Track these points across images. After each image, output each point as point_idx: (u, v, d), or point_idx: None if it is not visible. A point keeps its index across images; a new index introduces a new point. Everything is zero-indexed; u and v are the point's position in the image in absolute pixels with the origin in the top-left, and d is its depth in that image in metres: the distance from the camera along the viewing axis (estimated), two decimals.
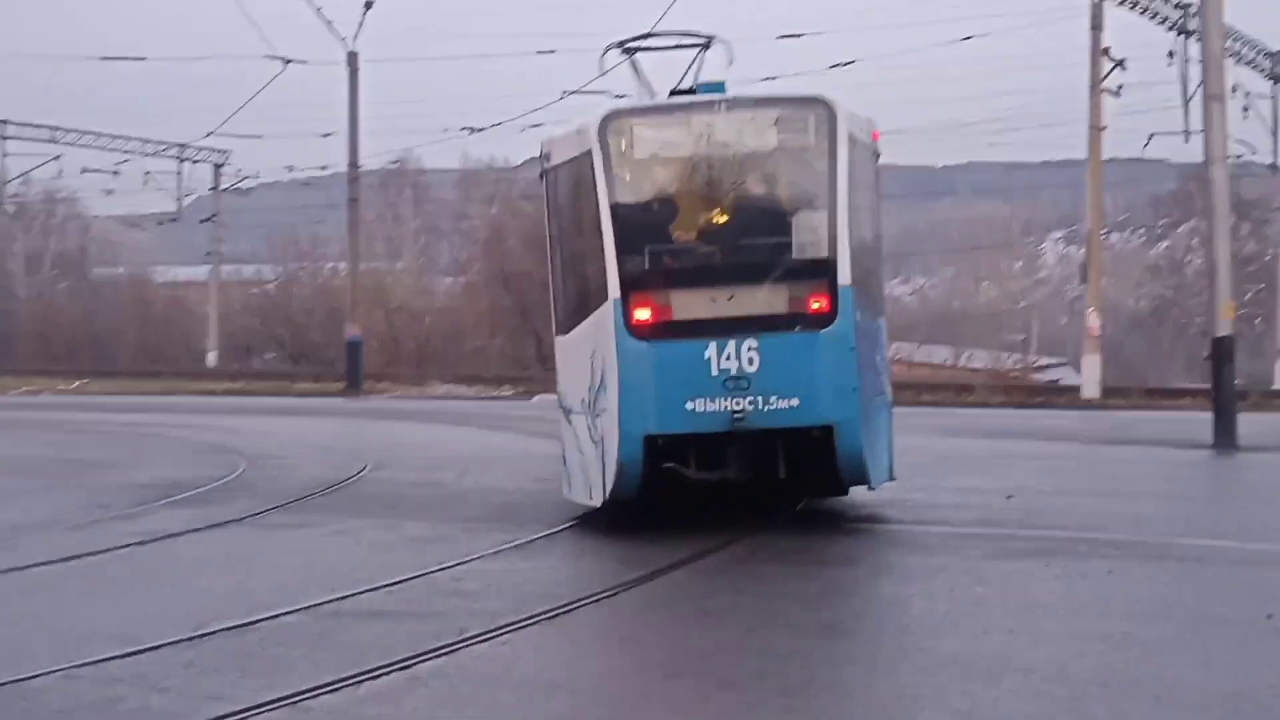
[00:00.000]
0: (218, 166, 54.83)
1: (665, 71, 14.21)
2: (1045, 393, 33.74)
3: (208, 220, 55.56)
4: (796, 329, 10.94)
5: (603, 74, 15.63)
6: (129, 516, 13.15)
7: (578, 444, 11.75)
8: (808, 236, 11.20)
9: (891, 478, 12.19)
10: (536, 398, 35.17)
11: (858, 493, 13.08)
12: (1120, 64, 32.07)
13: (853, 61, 34.76)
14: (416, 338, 54.39)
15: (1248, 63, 35.77)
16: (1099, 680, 6.70)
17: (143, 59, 44.54)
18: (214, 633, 7.90)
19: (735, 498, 12.23)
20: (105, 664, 7.30)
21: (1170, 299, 63.14)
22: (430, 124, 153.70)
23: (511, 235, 55.96)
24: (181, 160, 53.37)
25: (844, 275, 10.93)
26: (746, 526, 11.36)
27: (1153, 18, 31.95)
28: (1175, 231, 69.08)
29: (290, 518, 12.90)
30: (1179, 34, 31.93)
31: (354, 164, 41.64)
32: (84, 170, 51.65)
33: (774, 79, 40.48)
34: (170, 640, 7.72)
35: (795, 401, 10.77)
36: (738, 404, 10.73)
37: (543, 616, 8.20)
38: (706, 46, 14.42)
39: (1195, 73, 28.01)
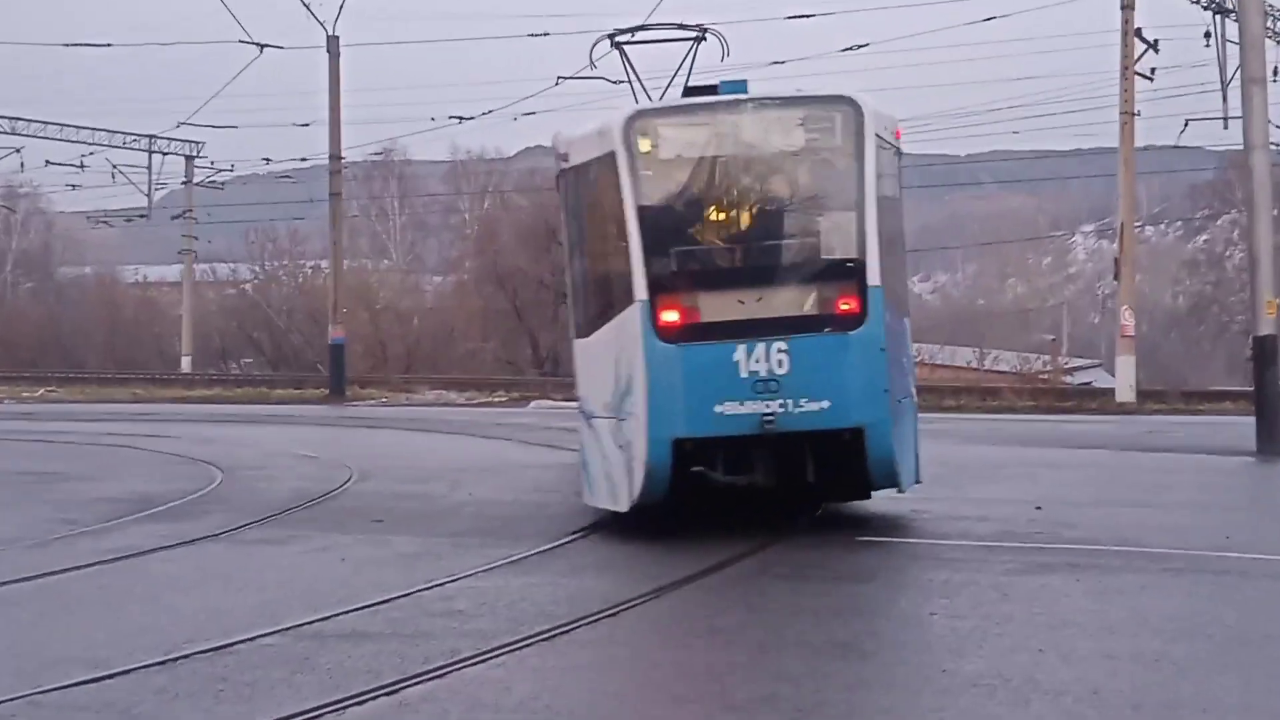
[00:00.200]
0: (190, 159, 54.92)
1: (661, 64, 14.32)
2: (1076, 397, 33.73)
3: (180, 216, 55.67)
4: (826, 330, 11.38)
5: (593, 67, 15.87)
6: (97, 532, 13.15)
7: (601, 449, 12.08)
8: (836, 237, 11.64)
9: (918, 480, 12.50)
10: (533, 404, 35.21)
11: (876, 504, 13.13)
12: (1153, 45, 32.10)
13: (866, 44, 34.92)
14: (404, 340, 54.44)
15: None
16: (1132, 703, 6.71)
17: (108, 45, 44.57)
18: (188, 656, 7.90)
19: (751, 503, 12.40)
20: (71, 690, 7.31)
21: (1209, 295, 63.09)
22: (417, 112, 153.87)
23: (505, 230, 56.07)
24: (151, 152, 53.42)
25: (873, 275, 11.39)
26: (759, 538, 11.40)
27: None
28: (1214, 223, 69.05)
29: (269, 533, 12.91)
30: (1216, 13, 31.99)
31: (336, 155, 41.69)
32: (47, 163, 51.80)
33: (782, 63, 40.61)
34: (141, 664, 7.72)
35: (825, 404, 11.20)
36: (767, 407, 11.15)
37: (539, 637, 8.20)
38: (701, 39, 14.68)
39: (1234, 54, 27.97)
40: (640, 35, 14.81)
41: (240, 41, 39.79)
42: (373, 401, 38.74)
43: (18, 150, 49.45)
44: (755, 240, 11.82)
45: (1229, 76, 31.48)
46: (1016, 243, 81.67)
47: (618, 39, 15.00)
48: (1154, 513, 13.06)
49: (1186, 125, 34.76)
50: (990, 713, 6.58)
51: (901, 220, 12.83)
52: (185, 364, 53.80)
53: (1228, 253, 63.08)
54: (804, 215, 11.91)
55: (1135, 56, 31.79)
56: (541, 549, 11.44)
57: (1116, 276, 32.71)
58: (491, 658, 7.76)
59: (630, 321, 11.40)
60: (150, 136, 53.12)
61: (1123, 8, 31.86)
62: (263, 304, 59.16)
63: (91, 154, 51.05)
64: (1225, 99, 31.64)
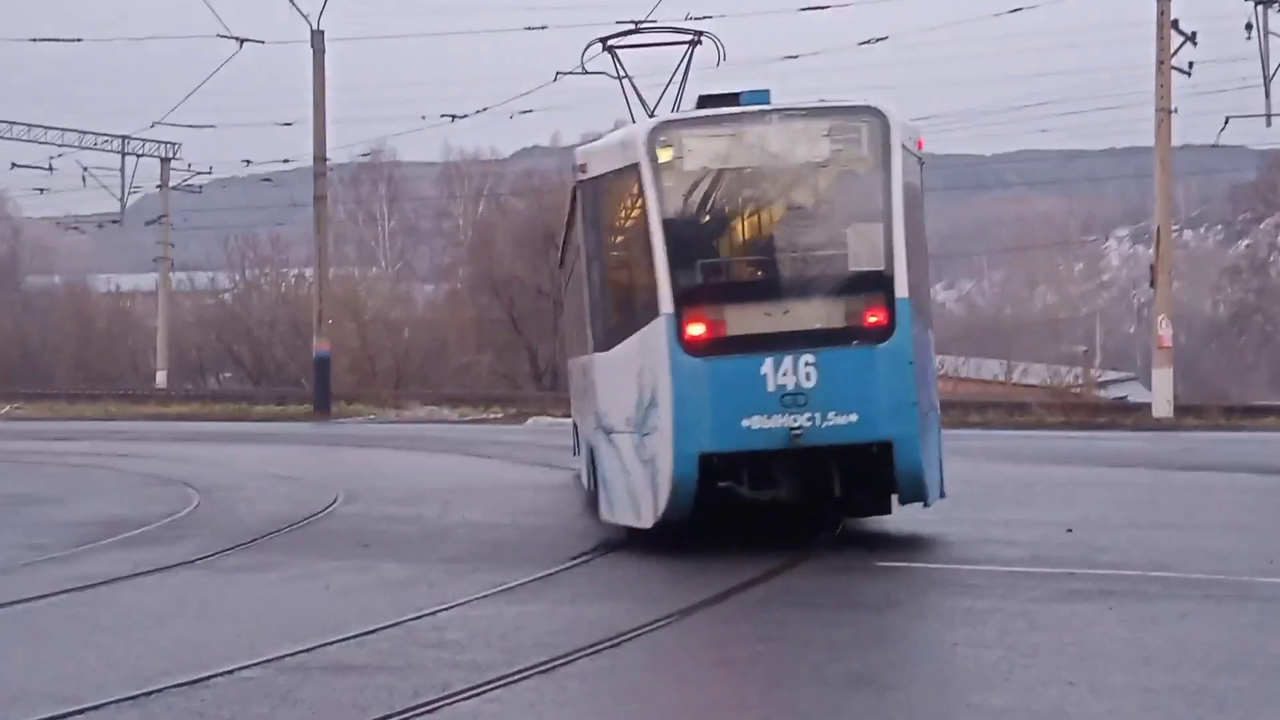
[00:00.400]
0: (165, 161, 55.08)
1: (656, 62, 14.46)
2: (1110, 412, 33.74)
3: (154, 222, 55.78)
4: (854, 343, 11.88)
5: (584, 72, 16.16)
6: (66, 559, 13.16)
7: (621, 464, 12.46)
8: (863, 248, 12.11)
9: (942, 494, 12.86)
10: (531, 420, 35.24)
11: (896, 526, 13.17)
12: (1191, 38, 32.12)
13: (885, 38, 34.88)
14: (393, 353, 54.51)
15: None
16: None
17: (78, 40, 44.55)
18: (162, 690, 7.89)
19: (766, 521, 12.69)
20: None
21: (1252, 304, 63.13)
22: (407, 111, 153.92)
23: (501, 236, 56.18)
24: (125, 154, 53.60)
25: (901, 287, 11.92)
26: (771, 561, 11.43)
27: None
28: (1257, 227, 69.10)
29: (249, 559, 12.92)
30: (1258, 4, 31.99)
31: (321, 157, 41.79)
32: (14, 166, 51.88)
33: (795, 57, 40.60)
34: (112, 699, 7.71)
35: (854, 417, 11.69)
36: (795, 420, 11.64)
37: (536, 669, 8.20)
38: (696, 42, 14.97)
39: (1277, 47, 28.05)
40: (633, 39, 15.13)
41: (219, 36, 39.96)
42: (360, 418, 38.76)
43: None
44: (781, 252, 12.25)
45: (1272, 71, 31.50)
46: (1046, 248, 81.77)
47: (610, 43, 15.27)
48: (1193, 536, 13.05)
49: (1227, 123, 34.70)
50: None
51: (924, 230, 13.16)
52: (160, 379, 53.87)
53: (1271, 258, 63.14)
54: (831, 227, 12.35)
55: (1172, 50, 31.83)
56: (539, 575, 11.43)
57: (1153, 284, 32.72)
58: (485, 691, 7.75)
59: (655, 335, 11.85)
60: (123, 137, 53.31)
61: None
62: (243, 315, 59.26)
63: (61, 155, 51.25)
64: (1268, 95, 31.66)
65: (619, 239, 12.91)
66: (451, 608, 10.14)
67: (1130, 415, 32.28)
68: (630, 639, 9.00)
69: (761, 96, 12.60)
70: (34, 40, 59.97)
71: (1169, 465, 20.13)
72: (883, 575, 11.25)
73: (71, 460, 24.20)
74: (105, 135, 52.96)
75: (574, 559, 12.19)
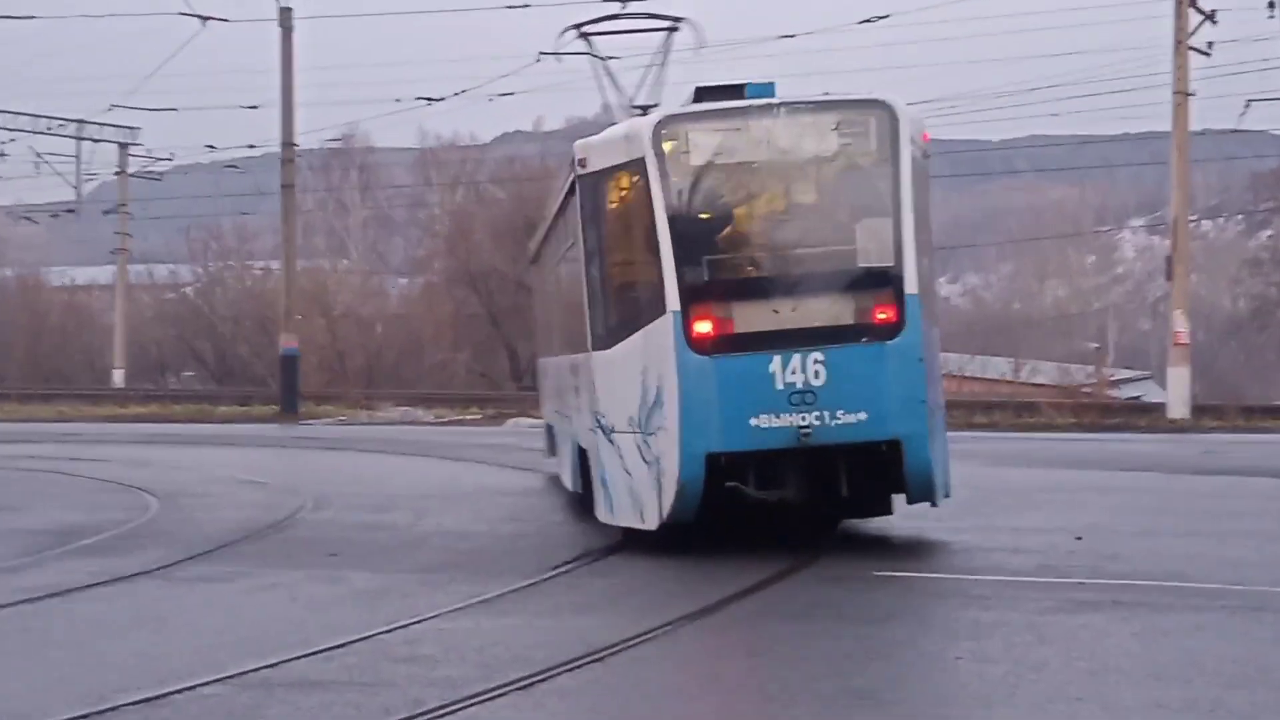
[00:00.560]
0: (124, 146, 54.97)
1: (634, 39, 14.56)
2: (1123, 413, 33.84)
3: (112, 211, 55.70)
4: (863, 340, 12.32)
5: (557, 58, 16.44)
6: (17, 569, 13.15)
7: (623, 464, 12.82)
8: (872, 244, 12.55)
9: (947, 494, 13.19)
10: (510, 422, 35.24)
11: (897, 533, 13.27)
12: (1211, 17, 32.20)
13: (886, 15, 34.85)
14: (365, 350, 54.50)
15: None
16: None
17: (31, 18, 44.48)
18: (118, 708, 7.88)
19: (761, 523, 12.98)
20: None
21: (1274, 299, 63.26)
22: (380, 93, 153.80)
23: (479, 226, 56.16)
24: (80, 139, 53.46)
25: (910, 283, 12.33)
26: (764, 569, 11.47)
27: None
28: (1279, 218, 69.21)
29: (211, 569, 12.91)
30: None
31: (289, 142, 41.74)
32: None
33: (792, 36, 40.67)
34: (67, 717, 7.70)
35: (863, 415, 12.14)
36: (804, 419, 12.08)
37: (514, 686, 8.20)
38: (674, 29, 15.23)
39: None
40: (609, 25, 15.37)
41: (180, 14, 39.81)
42: (329, 420, 38.73)
43: None
44: (789, 248, 12.64)
45: None
46: (1056, 239, 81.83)
47: (585, 28, 15.49)
48: (1209, 544, 13.10)
49: (1248, 107, 34.89)
50: None
51: (930, 225, 13.42)
52: (118, 378, 53.79)
53: None
54: (839, 222, 12.83)
55: (1190, 29, 31.91)
56: (518, 586, 11.44)
57: (1169, 277, 32.81)
58: (460, 709, 7.75)
59: (661, 333, 12.27)
60: (79, 121, 53.15)
61: None
62: (205, 310, 59.20)
63: (13, 141, 51.10)
64: None
65: (621, 235, 13.22)
66: (425, 620, 10.14)
67: (1145, 416, 32.36)
68: (614, 654, 9.01)
69: (767, 89, 12.98)
70: None
71: (1185, 469, 20.19)
72: (882, 585, 11.27)
73: (22, 464, 24.16)
74: (59, 119, 52.81)
75: (555, 569, 12.21)
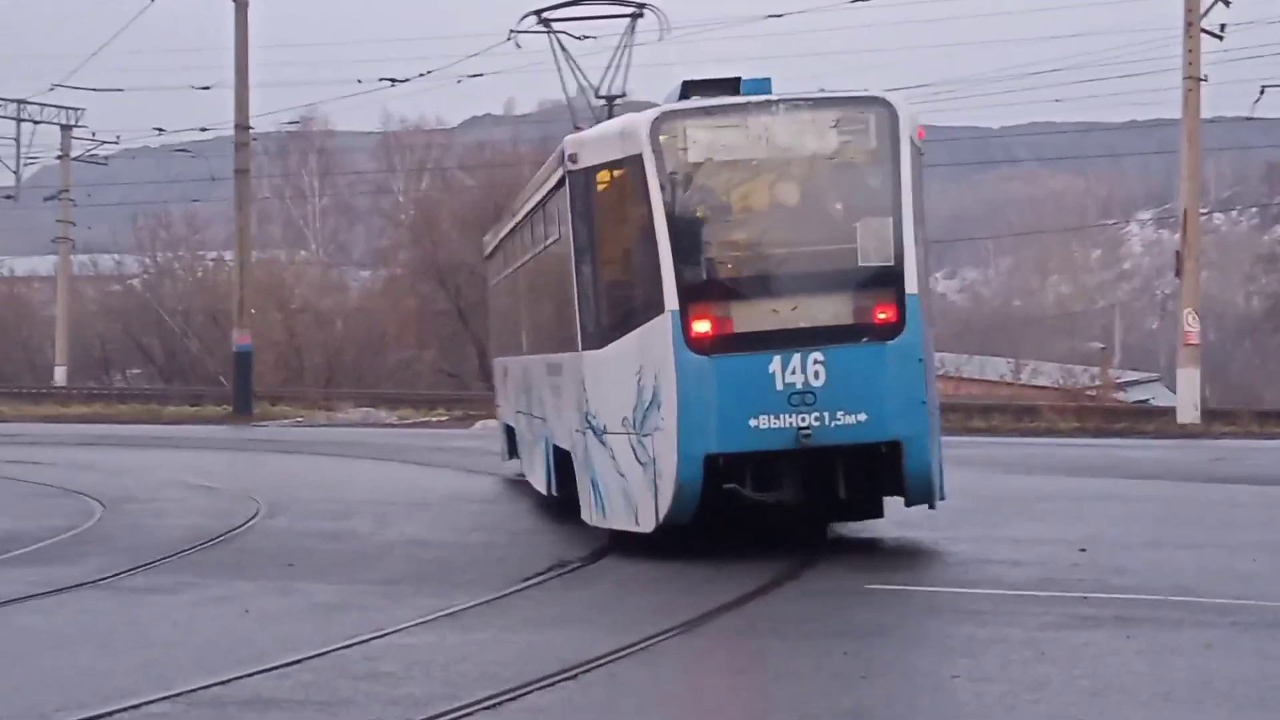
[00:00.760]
0: (66, 128, 54.83)
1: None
2: (1129, 417, 33.89)
3: (54, 197, 55.55)
4: (864, 340, 12.74)
5: (516, 45, 16.73)
6: None
7: (616, 466, 13.14)
8: (872, 243, 12.91)
9: (943, 497, 13.47)
10: (479, 424, 35.20)
11: (889, 545, 13.38)
12: None
13: None
14: (324, 347, 54.44)
15: None
16: None
17: None
18: None
19: (751, 528, 13.25)
20: None
21: None
22: (341, 74, 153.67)
23: (446, 216, 56.15)
24: (20, 120, 53.39)
25: (911, 283, 12.75)
26: (750, 580, 11.49)
27: None
28: None
29: (159, 579, 12.90)
30: None
31: (243, 125, 41.67)
32: None
33: (780, 16, 40.69)
34: None
35: (863, 416, 12.56)
36: (803, 420, 12.48)
37: (482, 705, 8.20)
38: (638, 15, 15.48)
39: None
40: (570, 12, 15.62)
41: None
42: (286, 421, 38.67)
43: None
44: (789, 247, 13.02)
45: None
46: (1060, 232, 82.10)
47: (545, 14, 15.70)
48: (1220, 556, 13.12)
49: (1263, 93, 34.95)
50: None
51: (925, 222, 13.62)
52: (59, 375, 53.67)
53: None
54: (839, 221, 13.20)
55: (1202, 10, 32.00)
56: (486, 599, 11.45)
57: (1178, 273, 32.89)
58: None
59: (658, 332, 12.63)
60: (19, 102, 53.08)
61: None
62: (153, 303, 59.08)
63: None
64: None
65: (616, 233, 13.47)
66: (386, 635, 10.14)
67: (1152, 421, 32.41)
68: (589, 670, 9.02)
69: (763, 85, 13.35)
70: None
71: (1194, 477, 20.24)
72: (874, 599, 11.29)
73: None
74: None
75: (527, 580, 12.21)
